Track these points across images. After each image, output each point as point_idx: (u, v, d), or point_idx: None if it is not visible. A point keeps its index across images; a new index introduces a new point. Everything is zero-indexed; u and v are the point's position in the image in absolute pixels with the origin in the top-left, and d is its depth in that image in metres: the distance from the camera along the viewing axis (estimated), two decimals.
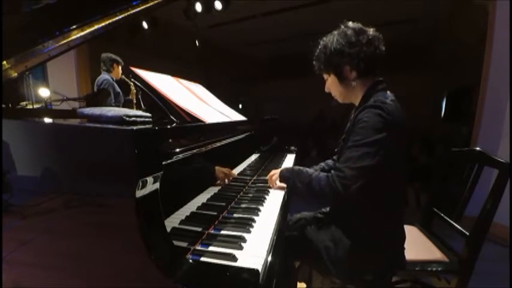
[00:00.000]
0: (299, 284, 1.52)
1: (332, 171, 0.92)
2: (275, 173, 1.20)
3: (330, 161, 1.38)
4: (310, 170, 1.05)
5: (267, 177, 1.23)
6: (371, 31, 0.97)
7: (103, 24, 1.08)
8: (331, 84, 1.06)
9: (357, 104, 1.04)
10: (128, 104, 2.33)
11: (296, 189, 1.04)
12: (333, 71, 1.01)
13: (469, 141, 2.82)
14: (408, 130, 0.96)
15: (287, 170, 1.13)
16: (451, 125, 4.43)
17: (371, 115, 0.88)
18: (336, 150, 1.21)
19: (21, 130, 0.68)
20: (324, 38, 1.02)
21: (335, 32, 0.99)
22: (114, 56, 2.89)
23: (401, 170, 1.00)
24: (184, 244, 0.67)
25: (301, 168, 1.08)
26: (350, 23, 0.99)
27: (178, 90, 1.17)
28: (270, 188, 1.17)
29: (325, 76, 1.08)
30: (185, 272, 0.55)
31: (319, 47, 1.03)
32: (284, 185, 1.16)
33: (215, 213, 0.86)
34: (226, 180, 1.09)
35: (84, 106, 1.58)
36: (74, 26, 1.01)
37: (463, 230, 1.14)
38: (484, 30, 2.65)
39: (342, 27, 0.99)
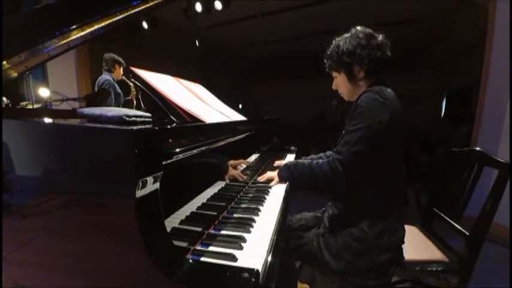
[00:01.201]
0: (302, 285, 1.52)
1: (333, 154, 1.00)
2: (271, 177, 1.22)
3: (329, 153, 1.43)
4: (305, 161, 1.12)
5: (263, 178, 1.25)
6: (380, 37, 1.05)
7: (103, 24, 1.08)
8: (340, 81, 1.13)
9: None
10: (127, 105, 2.33)
11: (298, 182, 1.12)
12: (344, 69, 1.08)
13: (469, 141, 2.82)
14: (406, 125, 1.01)
15: (282, 169, 1.18)
16: (451, 125, 4.42)
17: (368, 99, 0.96)
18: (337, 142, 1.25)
19: (21, 130, 0.68)
20: (337, 38, 1.10)
21: (347, 35, 1.07)
22: (116, 57, 2.89)
23: (398, 165, 1.06)
24: (184, 244, 0.67)
25: (294, 162, 1.16)
26: (360, 27, 1.06)
27: (178, 90, 1.17)
28: (270, 188, 1.18)
29: (335, 74, 1.14)
30: (185, 272, 0.55)
31: (332, 46, 1.10)
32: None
33: (215, 213, 0.86)
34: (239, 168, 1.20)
35: (84, 106, 1.58)
36: (74, 26, 1.02)
37: (463, 230, 1.14)
38: (483, 30, 2.65)
39: (353, 30, 1.06)
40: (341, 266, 1.00)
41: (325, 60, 1.13)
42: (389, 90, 1.00)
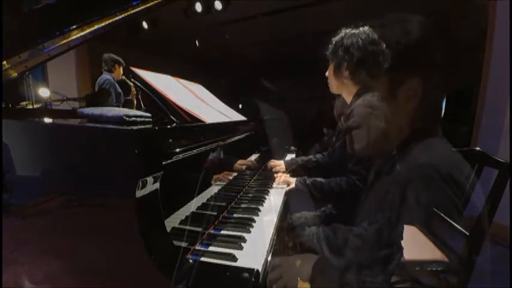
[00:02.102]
0: (303, 284, 1.52)
1: (350, 175, 1.03)
2: (289, 182, 1.22)
3: (319, 155, 1.46)
4: (323, 180, 1.12)
5: (280, 179, 1.26)
6: (384, 46, 1.02)
7: (103, 24, 1.08)
8: (330, 70, 1.16)
9: (347, 100, 1.15)
10: (127, 105, 2.33)
11: (313, 197, 1.14)
12: (335, 60, 1.11)
13: (469, 141, 2.82)
14: None
15: (301, 182, 1.19)
16: (451, 125, 4.42)
17: (363, 114, 0.99)
18: (331, 145, 1.29)
19: (21, 130, 0.68)
20: (348, 30, 1.09)
21: (355, 30, 1.07)
22: (116, 57, 2.90)
23: None
24: (184, 244, 0.67)
25: (311, 179, 1.15)
26: (369, 29, 1.05)
27: (178, 90, 1.17)
28: (270, 188, 1.18)
29: (330, 61, 1.16)
30: (185, 272, 0.55)
31: (341, 34, 1.10)
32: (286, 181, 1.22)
33: (215, 213, 0.86)
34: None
35: (84, 106, 1.58)
36: (74, 26, 1.01)
37: (463, 230, 1.14)
38: (484, 29, 2.65)
39: (361, 29, 1.05)
40: (341, 262, 1.00)
41: (330, 45, 1.15)
42: (375, 98, 1.01)
